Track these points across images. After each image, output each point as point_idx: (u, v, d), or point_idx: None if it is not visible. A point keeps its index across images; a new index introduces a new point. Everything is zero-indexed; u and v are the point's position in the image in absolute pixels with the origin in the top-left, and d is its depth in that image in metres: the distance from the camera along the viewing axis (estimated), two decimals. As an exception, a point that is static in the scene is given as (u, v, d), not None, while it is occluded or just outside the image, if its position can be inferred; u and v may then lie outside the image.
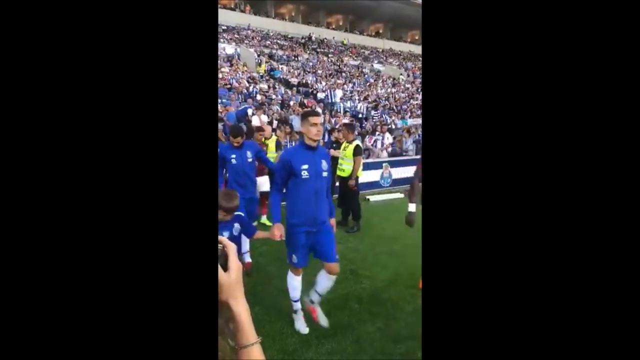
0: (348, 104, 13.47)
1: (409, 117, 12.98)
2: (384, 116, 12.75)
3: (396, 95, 16.97)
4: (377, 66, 23.43)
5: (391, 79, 20.21)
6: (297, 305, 2.81)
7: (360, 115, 12.56)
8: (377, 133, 8.89)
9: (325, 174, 2.62)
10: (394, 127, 11.54)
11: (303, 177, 2.53)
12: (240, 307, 0.69)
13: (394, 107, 14.67)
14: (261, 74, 14.39)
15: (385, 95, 16.75)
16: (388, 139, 8.99)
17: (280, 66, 17.11)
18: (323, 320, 2.83)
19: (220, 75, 12.98)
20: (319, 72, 17.89)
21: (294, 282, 2.75)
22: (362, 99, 14.97)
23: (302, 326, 2.78)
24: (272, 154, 5.29)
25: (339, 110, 12.68)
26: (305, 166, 2.53)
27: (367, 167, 7.03)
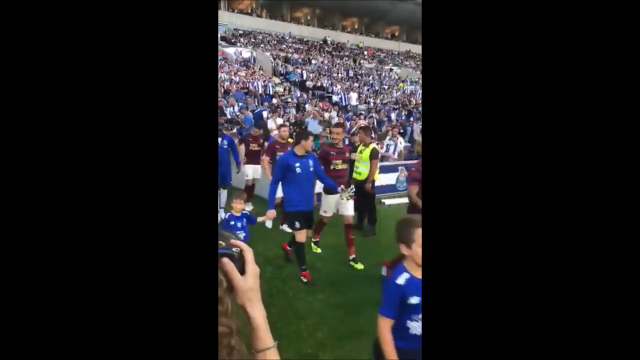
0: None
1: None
2: (398, 119, 12.62)
3: (412, 99, 16.85)
4: (393, 69, 23.32)
5: (409, 80, 20.08)
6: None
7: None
8: (389, 138, 8.74)
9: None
10: (410, 129, 11.41)
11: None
12: (256, 312, 0.69)
13: (412, 111, 14.56)
14: (276, 82, 14.44)
15: (402, 98, 16.65)
16: (401, 143, 8.84)
17: (295, 69, 17.20)
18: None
19: (237, 79, 13.15)
20: (336, 75, 17.90)
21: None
22: (377, 101, 14.90)
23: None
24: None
25: (356, 113, 12.62)
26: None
27: (383, 170, 6.99)
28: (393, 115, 13.14)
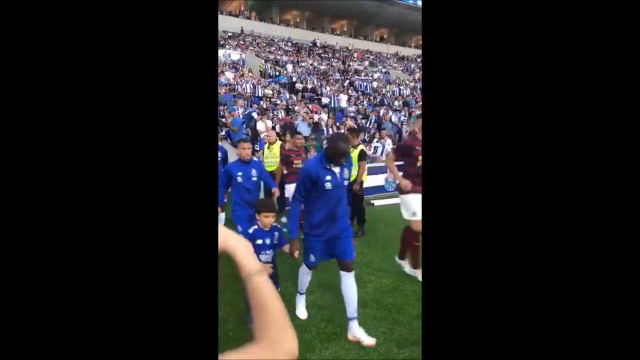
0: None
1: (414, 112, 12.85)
2: (388, 114, 12.64)
3: (403, 94, 17.00)
4: (383, 71, 23.43)
5: (397, 82, 20.22)
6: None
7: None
8: (376, 140, 8.81)
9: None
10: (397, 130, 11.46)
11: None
12: (234, 241, 0.66)
13: (399, 105, 14.66)
14: (264, 84, 14.33)
15: (390, 95, 16.75)
16: (389, 145, 8.89)
17: (284, 71, 17.18)
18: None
19: (225, 81, 13.08)
20: (327, 77, 17.93)
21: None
22: (367, 102, 14.98)
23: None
24: (275, 159, 5.32)
25: (347, 115, 12.63)
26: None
27: (372, 171, 7.02)
28: (394, 117, 13.15)
